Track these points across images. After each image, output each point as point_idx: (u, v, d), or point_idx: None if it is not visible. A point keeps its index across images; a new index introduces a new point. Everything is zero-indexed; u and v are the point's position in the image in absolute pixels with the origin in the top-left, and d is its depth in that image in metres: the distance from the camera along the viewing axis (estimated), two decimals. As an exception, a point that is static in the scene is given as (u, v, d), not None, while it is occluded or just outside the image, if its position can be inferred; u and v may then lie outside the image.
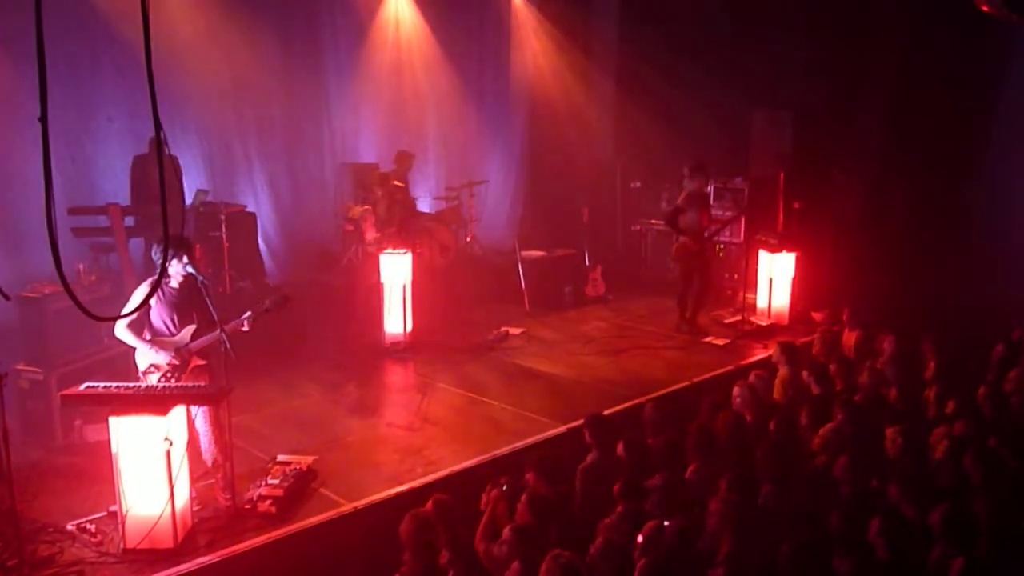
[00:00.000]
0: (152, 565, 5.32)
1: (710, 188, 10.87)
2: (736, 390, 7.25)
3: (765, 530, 5.09)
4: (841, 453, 5.82)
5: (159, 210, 2.98)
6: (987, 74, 11.13)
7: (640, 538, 4.91)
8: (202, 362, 6.15)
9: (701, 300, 10.42)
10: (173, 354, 5.98)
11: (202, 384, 6.04)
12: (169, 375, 5.94)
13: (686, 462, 6.03)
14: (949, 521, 4.67)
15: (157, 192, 2.90)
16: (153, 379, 5.94)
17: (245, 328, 6.14)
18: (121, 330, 5.91)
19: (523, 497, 5.29)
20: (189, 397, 5.77)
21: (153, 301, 5.98)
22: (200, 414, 6.05)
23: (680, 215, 10.06)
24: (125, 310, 5.68)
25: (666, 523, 4.98)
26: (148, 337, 6.00)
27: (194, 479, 5.96)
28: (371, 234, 10.85)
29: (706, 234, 10.25)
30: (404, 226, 10.96)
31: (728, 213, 11.00)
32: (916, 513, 4.97)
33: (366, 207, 11.05)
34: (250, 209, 10.97)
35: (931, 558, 4.60)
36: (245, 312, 6.16)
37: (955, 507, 4.76)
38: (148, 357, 5.98)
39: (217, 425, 6.05)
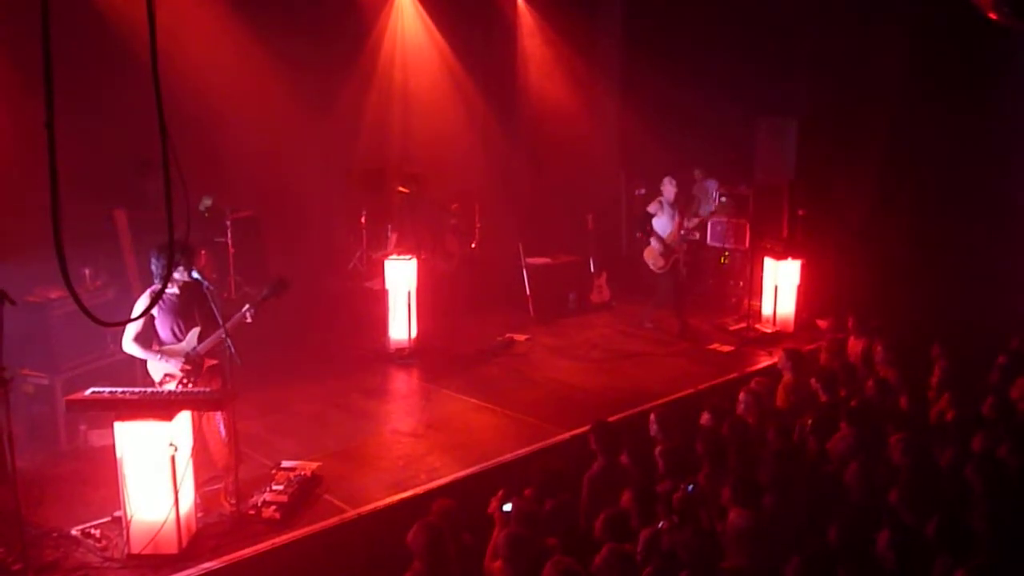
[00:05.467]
0: (156, 570, 5.33)
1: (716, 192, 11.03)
2: (741, 396, 7.24)
3: (771, 539, 5.08)
4: (848, 461, 5.80)
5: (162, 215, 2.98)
6: (992, 82, 11.11)
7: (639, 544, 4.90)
8: (214, 362, 6.18)
9: (679, 305, 10.57)
10: (184, 360, 6.02)
11: (211, 388, 6.06)
12: (185, 381, 5.99)
13: (693, 469, 6.01)
14: (944, 531, 4.65)
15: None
16: (171, 388, 5.97)
17: (249, 320, 6.14)
18: (128, 345, 5.96)
19: (513, 511, 5.29)
20: (195, 403, 5.78)
21: (156, 312, 6.01)
22: (217, 417, 6.08)
23: (652, 220, 10.40)
24: (129, 324, 5.71)
25: (662, 525, 4.98)
26: (156, 348, 6.03)
27: (199, 484, 5.96)
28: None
29: (680, 234, 10.42)
30: (408, 231, 10.97)
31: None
32: (917, 521, 4.94)
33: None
34: (255, 214, 10.99)
35: (934, 568, 4.58)
36: (244, 305, 6.17)
37: (951, 517, 4.74)
38: (161, 368, 6.02)
39: (228, 429, 6.07)
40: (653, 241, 10.36)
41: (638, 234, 12.91)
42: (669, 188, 10.36)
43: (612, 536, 4.94)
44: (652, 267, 10.57)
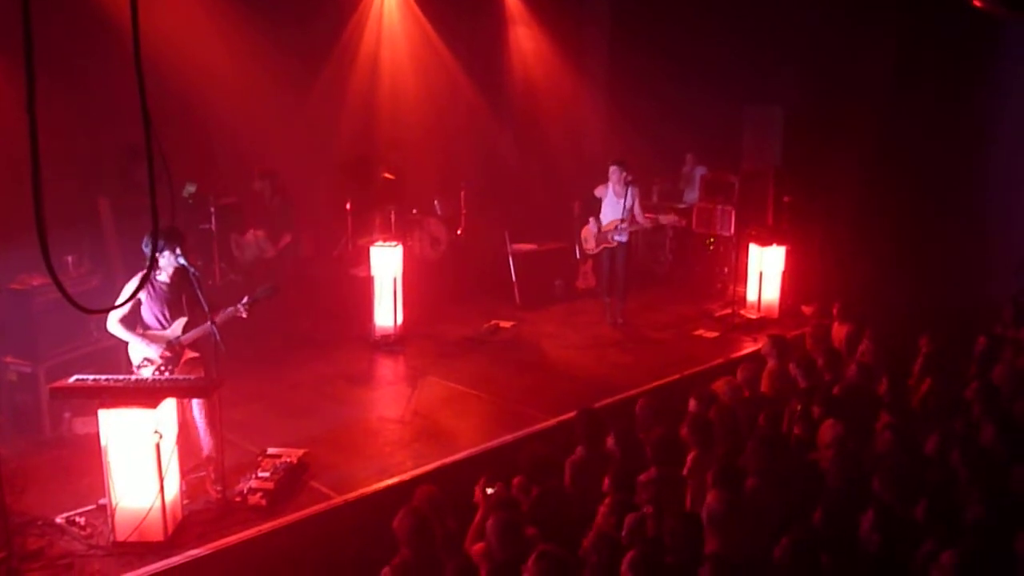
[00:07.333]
0: (142, 558, 5.32)
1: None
2: (721, 383, 7.26)
3: (752, 524, 5.11)
4: (829, 447, 5.84)
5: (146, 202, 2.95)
6: (978, 73, 11.17)
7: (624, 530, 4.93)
8: (195, 354, 6.16)
9: (613, 288, 10.52)
10: (165, 347, 5.99)
11: (194, 377, 6.03)
12: (163, 368, 5.95)
13: (680, 455, 6.03)
14: (933, 514, 4.69)
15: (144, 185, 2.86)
16: (147, 373, 5.95)
17: (243, 315, 6.13)
18: (113, 325, 5.92)
19: (494, 496, 5.31)
20: (179, 390, 5.76)
21: (144, 296, 5.98)
22: (195, 406, 6.06)
23: (599, 204, 10.36)
24: (116, 304, 5.70)
25: (646, 510, 5.01)
26: (140, 331, 6.00)
27: (184, 472, 5.95)
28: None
29: (602, 228, 10.31)
30: (388, 217, 10.92)
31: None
32: (901, 507, 4.99)
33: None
34: (240, 201, 10.91)
35: (919, 553, 4.62)
36: (242, 298, 6.15)
37: (938, 500, 4.78)
38: (141, 351, 5.99)
39: (209, 418, 6.06)
40: (591, 221, 10.35)
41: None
42: (613, 174, 10.17)
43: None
44: (583, 245, 10.67)
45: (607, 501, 5.20)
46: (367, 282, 9.81)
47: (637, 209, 10.18)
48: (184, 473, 5.94)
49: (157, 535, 5.43)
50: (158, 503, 5.38)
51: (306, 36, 11.82)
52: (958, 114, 11.14)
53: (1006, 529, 4.65)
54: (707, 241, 12.02)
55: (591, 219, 10.36)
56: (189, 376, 6.02)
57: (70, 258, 7.52)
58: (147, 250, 5.82)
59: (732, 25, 12.13)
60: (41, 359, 7.08)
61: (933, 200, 11.18)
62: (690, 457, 5.93)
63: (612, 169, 10.15)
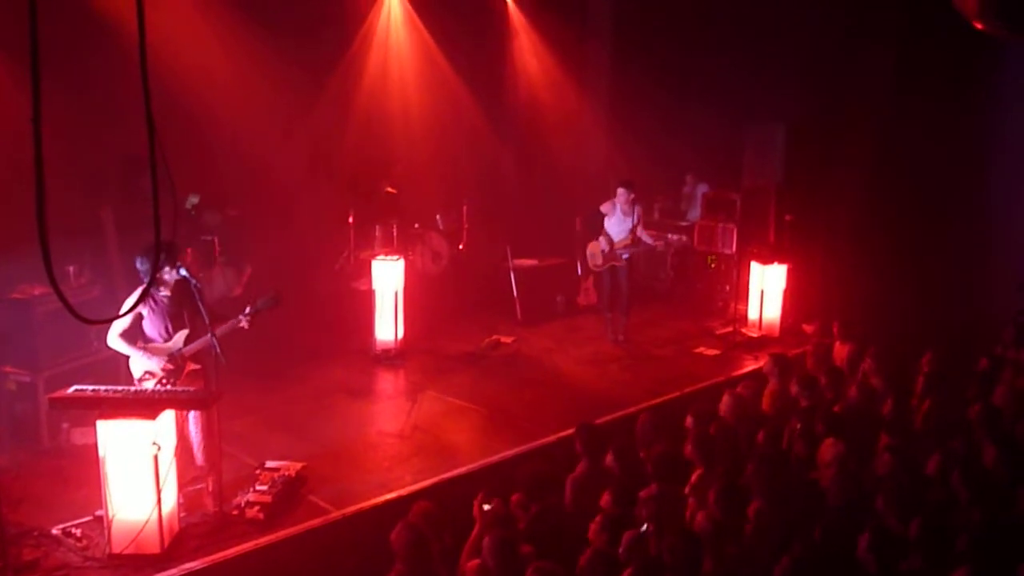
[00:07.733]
0: (138, 571, 5.30)
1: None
2: (724, 400, 7.23)
3: (752, 543, 5.08)
4: (829, 466, 5.82)
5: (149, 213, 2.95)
6: (979, 89, 11.19)
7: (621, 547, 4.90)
8: (197, 367, 6.16)
9: (622, 305, 10.50)
10: (167, 359, 5.99)
11: (194, 389, 6.02)
12: (164, 381, 5.95)
13: (680, 472, 6.01)
14: (927, 532, 4.67)
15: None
16: (149, 385, 5.95)
17: (245, 325, 6.13)
18: (114, 340, 5.94)
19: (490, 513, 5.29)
20: (178, 402, 5.75)
21: (146, 311, 5.99)
22: (192, 419, 6.05)
23: (602, 220, 10.30)
24: (116, 320, 5.71)
25: (644, 528, 4.98)
26: (141, 345, 6.00)
27: (182, 484, 5.93)
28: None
29: (614, 246, 10.27)
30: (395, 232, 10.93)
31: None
32: (902, 527, 4.96)
33: None
34: (242, 213, 10.92)
35: (907, 567, 4.61)
36: (244, 309, 6.16)
37: (934, 519, 4.76)
38: (142, 364, 5.99)
39: (207, 430, 6.05)
40: (602, 239, 10.30)
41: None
42: (621, 196, 10.20)
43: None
44: (589, 261, 10.61)
45: (598, 518, 5.18)
46: (368, 295, 9.82)
47: (640, 228, 10.22)
48: (181, 486, 5.92)
49: (153, 548, 5.40)
50: (155, 515, 5.36)
51: (311, 51, 11.85)
52: (959, 130, 11.14)
53: (1008, 550, 4.63)
54: (708, 259, 12.01)
55: (601, 237, 10.34)
56: (189, 388, 6.01)
57: (71, 268, 7.53)
58: (142, 268, 5.82)
59: (733, 42, 12.17)
60: (41, 369, 7.07)
61: (936, 216, 11.16)
62: (695, 475, 5.91)
63: (620, 191, 10.19)
